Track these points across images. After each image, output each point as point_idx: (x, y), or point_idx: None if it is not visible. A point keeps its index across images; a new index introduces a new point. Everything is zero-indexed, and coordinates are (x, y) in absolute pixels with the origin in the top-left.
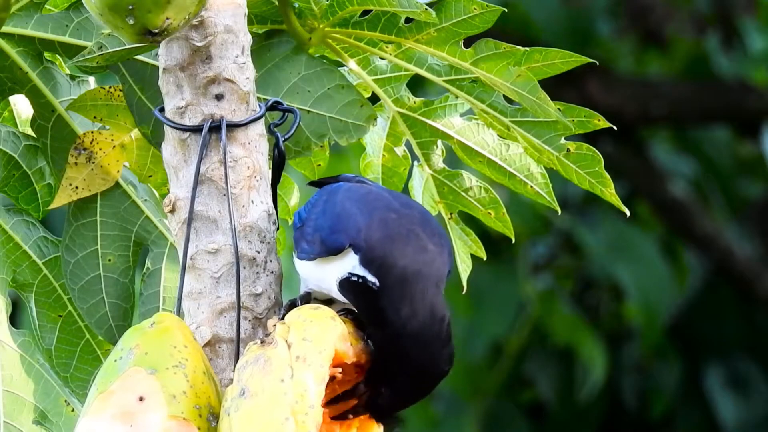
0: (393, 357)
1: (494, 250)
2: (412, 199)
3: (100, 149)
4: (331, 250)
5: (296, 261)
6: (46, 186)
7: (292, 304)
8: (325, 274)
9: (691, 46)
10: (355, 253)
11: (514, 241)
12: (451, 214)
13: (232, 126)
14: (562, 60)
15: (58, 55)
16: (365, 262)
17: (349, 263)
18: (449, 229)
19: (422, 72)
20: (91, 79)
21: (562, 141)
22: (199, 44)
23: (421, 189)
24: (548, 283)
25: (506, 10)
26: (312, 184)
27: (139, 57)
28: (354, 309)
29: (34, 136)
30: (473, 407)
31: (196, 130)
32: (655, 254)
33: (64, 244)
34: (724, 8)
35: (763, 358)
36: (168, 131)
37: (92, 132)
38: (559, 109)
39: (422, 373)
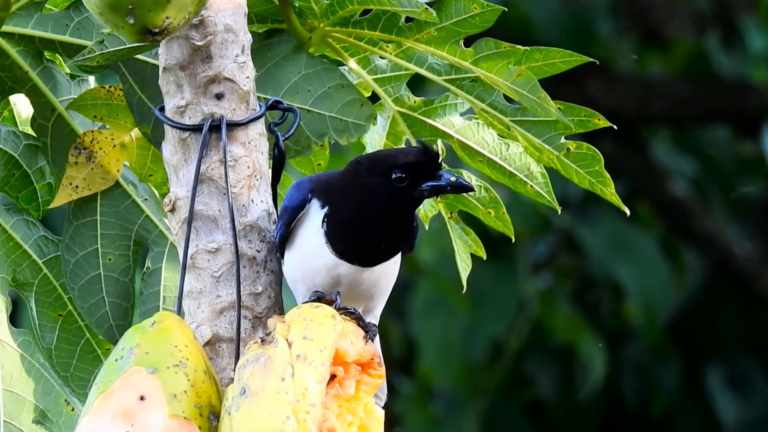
0: None
1: (494, 249)
2: None
3: (101, 148)
4: (297, 208)
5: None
6: (46, 185)
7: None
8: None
9: (691, 45)
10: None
11: (514, 240)
12: (451, 213)
13: (232, 125)
14: (562, 59)
15: (58, 55)
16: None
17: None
18: (449, 228)
19: (422, 71)
20: (91, 79)
21: (563, 140)
22: (199, 43)
23: None
24: (548, 283)
25: (506, 9)
26: None
27: (139, 56)
28: (355, 309)
29: (35, 135)
30: (473, 406)
31: (196, 129)
32: (655, 254)
33: (64, 243)
34: (724, 8)
35: (763, 358)
36: (168, 130)
37: (92, 131)
38: (559, 109)
39: None
